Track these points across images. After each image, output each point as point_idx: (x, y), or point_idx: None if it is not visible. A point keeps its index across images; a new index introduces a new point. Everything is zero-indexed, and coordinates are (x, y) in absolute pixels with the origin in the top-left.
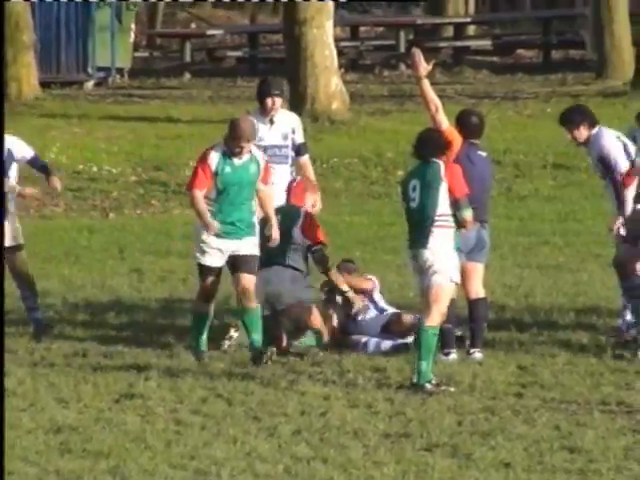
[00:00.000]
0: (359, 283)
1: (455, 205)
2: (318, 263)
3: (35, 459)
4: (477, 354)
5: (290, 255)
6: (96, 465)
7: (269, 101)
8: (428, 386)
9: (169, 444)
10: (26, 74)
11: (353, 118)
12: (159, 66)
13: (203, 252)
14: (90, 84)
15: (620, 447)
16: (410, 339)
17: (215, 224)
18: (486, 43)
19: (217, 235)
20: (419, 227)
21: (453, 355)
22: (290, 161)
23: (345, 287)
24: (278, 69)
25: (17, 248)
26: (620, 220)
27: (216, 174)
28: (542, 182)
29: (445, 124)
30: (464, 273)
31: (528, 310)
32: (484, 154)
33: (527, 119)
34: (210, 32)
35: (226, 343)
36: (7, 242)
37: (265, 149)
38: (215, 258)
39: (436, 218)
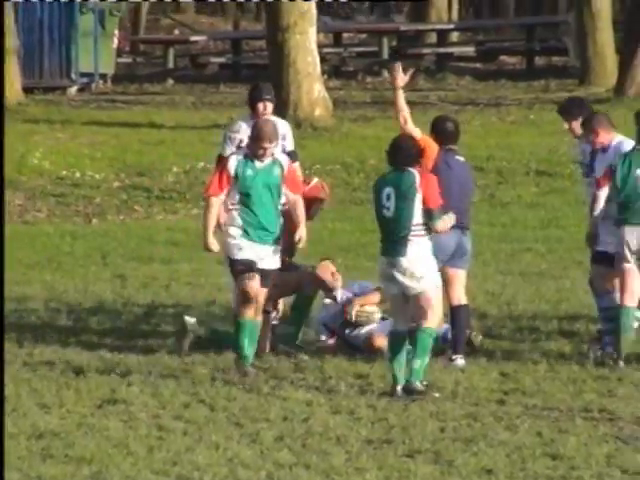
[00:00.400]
0: (371, 299)
1: (428, 215)
2: None
3: (17, 464)
4: (459, 360)
5: None
6: (78, 471)
7: (260, 106)
8: (418, 384)
9: (151, 450)
10: (9, 79)
11: (336, 124)
12: (142, 72)
13: (240, 248)
14: (73, 90)
15: (602, 454)
16: None
17: (214, 246)
18: (469, 49)
19: (246, 236)
20: (395, 236)
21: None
22: None
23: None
24: (261, 75)
25: None
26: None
27: (236, 177)
28: (525, 189)
29: (417, 134)
30: (445, 280)
31: (510, 317)
32: (462, 159)
33: (510, 126)
34: (193, 38)
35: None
36: None
37: None
38: (251, 252)
39: (412, 228)
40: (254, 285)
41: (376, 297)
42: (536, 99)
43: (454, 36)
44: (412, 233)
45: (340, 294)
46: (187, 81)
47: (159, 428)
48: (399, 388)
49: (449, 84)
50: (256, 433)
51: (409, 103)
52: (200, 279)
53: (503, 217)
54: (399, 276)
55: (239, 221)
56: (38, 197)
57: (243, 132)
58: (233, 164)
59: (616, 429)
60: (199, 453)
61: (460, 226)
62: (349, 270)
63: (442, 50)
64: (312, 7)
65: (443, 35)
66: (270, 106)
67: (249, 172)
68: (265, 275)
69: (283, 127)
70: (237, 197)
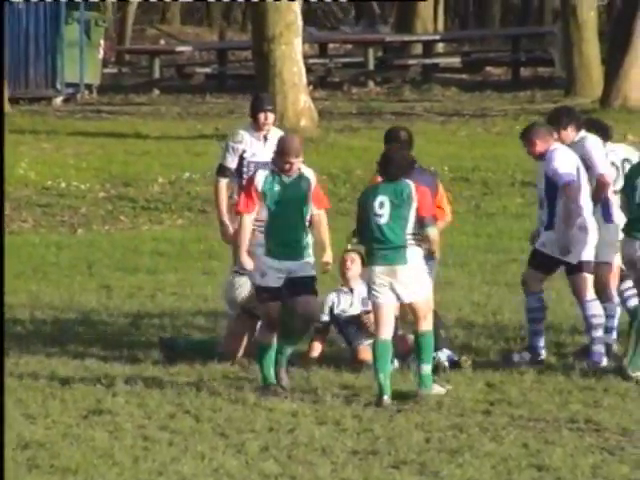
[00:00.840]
0: None
1: (420, 223)
2: None
3: (2, 475)
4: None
5: None
6: None
7: (262, 116)
8: (436, 387)
9: (137, 460)
10: None
11: (321, 135)
12: (128, 82)
13: (263, 274)
14: (59, 100)
15: (588, 465)
16: None
17: (248, 264)
18: (455, 60)
19: (273, 256)
20: (391, 244)
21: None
22: None
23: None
24: (247, 86)
25: None
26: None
27: (264, 194)
28: (510, 200)
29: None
30: None
31: (496, 327)
32: (423, 167)
33: (496, 137)
34: (179, 49)
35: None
36: None
37: (257, 165)
38: (274, 279)
39: (408, 236)
40: (276, 312)
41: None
42: (522, 110)
43: (440, 47)
44: (408, 242)
45: (358, 287)
46: (173, 91)
47: (144, 438)
48: (386, 398)
49: (435, 95)
50: (242, 444)
51: (394, 114)
52: (186, 289)
53: (489, 228)
54: (397, 285)
55: (262, 240)
56: (24, 207)
57: (245, 142)
58: (260, 180)
59: (602, 440)
60: (185, 463)
61: None
62: (336, 281)
63: (428, 61)
64: (298, 18)
65: (429, 46)
66: (271, 117)
67: (276, 187)
68: (302, 283)
69: None
70: (264, 214)
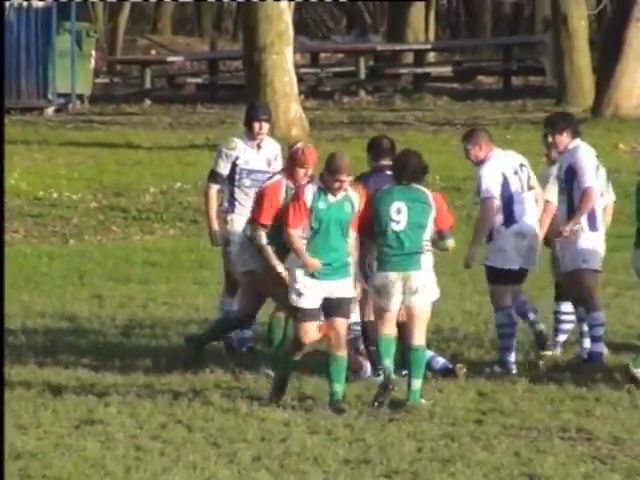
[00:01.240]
0: None
1: (440, 235)
2: None
3: None
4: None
5: None
6: None
7: (256, 125)
8: (424, 402)
9: (129, 470)
10: None
11: (313, 145)
12: (119, 92)
13: (299, 294)
14: (50, 110)
15: (580, 474)
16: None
17: (316, 262)
18: (446, 70)
19: (312, 275)
20: (406, 250)
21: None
22: None
23: None
24: (238, 96)
25: None
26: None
27: (310, 211)
28: None
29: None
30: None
31: (488, 337)
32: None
33: None
34: (170, 59)
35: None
36: None
37: (250, 173)
38: (312, 299)
39: (424, 243)
40: (311, 335)
41: None
42: (513, 119)
43: (431, 56)
44: (425, 248)
45: None
46: (164, 101)
47: (136, 448)
48: (392, 376)
49: (426, 104)
50: (234, 453)
51: (386, 123)
52: (177, 299)
53: None
54: (407, 289)
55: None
56: (15, 217)
57: (239, 149)
58: (309, 195)
59: (593, 449)
60: (176, 473)
61: None
62: None
63: (419, 70)
64: (289, 27)
65: (420, 55)
66: (266, 126)
67: (322, 205)
68: (338, 305)
69: (275, 148)
70: (308, 232)
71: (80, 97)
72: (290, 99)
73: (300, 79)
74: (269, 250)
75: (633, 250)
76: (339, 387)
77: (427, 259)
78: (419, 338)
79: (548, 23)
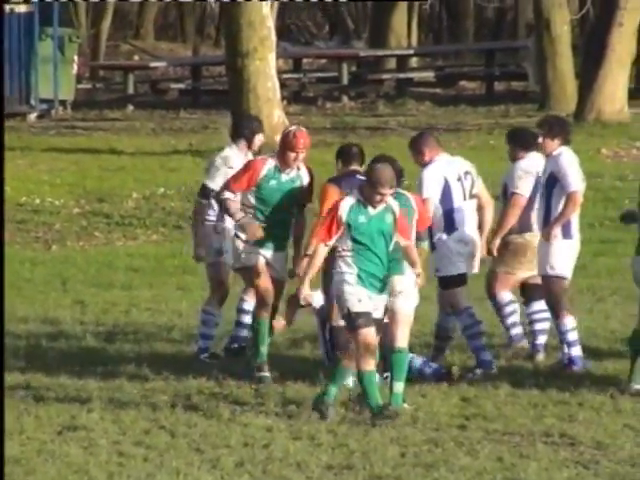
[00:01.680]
0: None
1: (417, 236)
2: None
3: None
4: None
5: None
6: None
7: (257, 139)
8: (406, 406)
9: (112, 476)
10: None
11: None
12: (102, 98)
13: (359, 300)
14: (33, 116)
15: (563, 479)
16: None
17: (309, 297)
18: (429, 75)
19: (363, 285)
20: (391, 255)
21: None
22: None
23: None
24: (221, 101)
25: None
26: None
27: (349, 225)
28: None
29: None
30: None
31: None
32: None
33: (470, 151)
34: (153, 64)
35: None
36: None
37: None
38: (369, 304)
39: None
40: (372, 337)
41: None
42: (496, 124)
43: (413, 61)
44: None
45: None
46: (147, 107)
47: (119, 454)
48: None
49: (409, 109)
50: (217, 459)
51: (369, 128)
52: (160, 305)
53: None
54: (390, 293)
55: (355, 268)
56: None
57: (236, 166)
58: (345, 209)
59: (577, 454)
60: (160, 479)
61: None
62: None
63: (402, 75)
64: (272, 33)
65: (403, 61)
66: (262, 138)
67: (362, 219)
68: (375, 323)
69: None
70: (349, 244)
71: (63, 103)
72: (273, 104)
73: (283, 85)
74: (231, 204)
75: (634, 256)
76: (375, 397)
77: (406, 263)
78: (402, 340)
79: (531, 28)
